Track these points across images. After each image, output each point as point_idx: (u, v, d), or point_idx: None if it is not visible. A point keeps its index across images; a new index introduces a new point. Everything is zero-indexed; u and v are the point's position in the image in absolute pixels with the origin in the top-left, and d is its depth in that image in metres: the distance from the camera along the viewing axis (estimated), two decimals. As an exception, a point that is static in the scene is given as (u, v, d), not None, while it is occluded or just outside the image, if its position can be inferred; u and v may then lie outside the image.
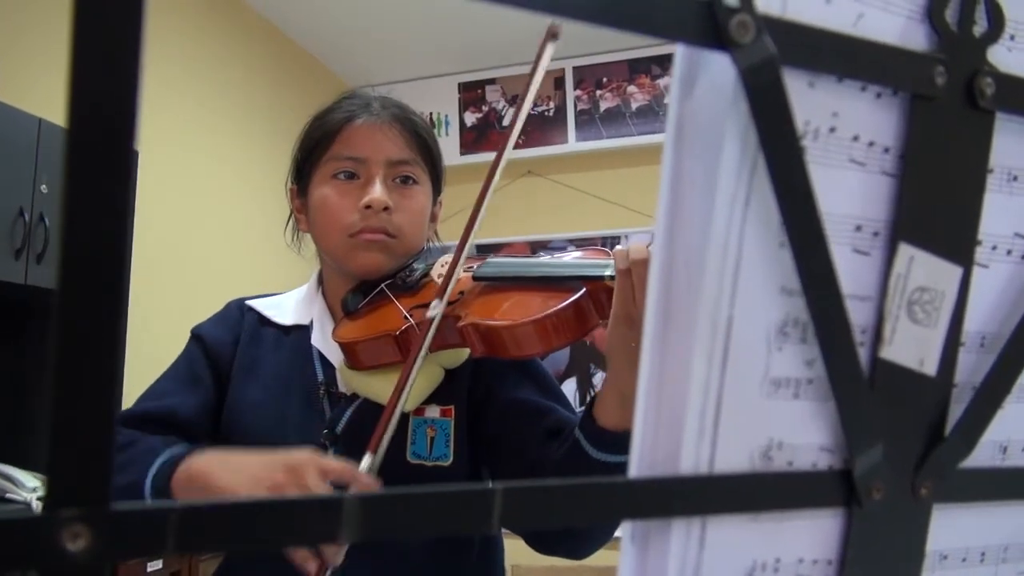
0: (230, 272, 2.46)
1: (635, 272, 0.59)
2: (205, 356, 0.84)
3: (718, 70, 0.27)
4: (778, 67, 0.26)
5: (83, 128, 0.19)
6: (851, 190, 0.29)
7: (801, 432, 0.29)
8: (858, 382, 0.29)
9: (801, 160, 0.27)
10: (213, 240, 2.44)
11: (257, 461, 0.63)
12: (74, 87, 0.19)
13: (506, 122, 3.10)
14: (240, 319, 0.88)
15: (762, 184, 0.27)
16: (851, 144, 0.29)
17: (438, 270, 0.82)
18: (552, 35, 0.65)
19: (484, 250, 3.02)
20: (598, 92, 3.01)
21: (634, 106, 2.97)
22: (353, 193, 0.82)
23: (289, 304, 0.90)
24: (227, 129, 2.52)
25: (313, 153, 0.85)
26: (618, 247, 0.63)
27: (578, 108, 3.02)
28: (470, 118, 3.15)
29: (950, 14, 0.29)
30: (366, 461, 0.65)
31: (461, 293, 0.75)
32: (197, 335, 0.86)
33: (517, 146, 3.08)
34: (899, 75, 0.29)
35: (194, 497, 0.66)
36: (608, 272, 0.65)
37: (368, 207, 0.80)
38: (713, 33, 0.26)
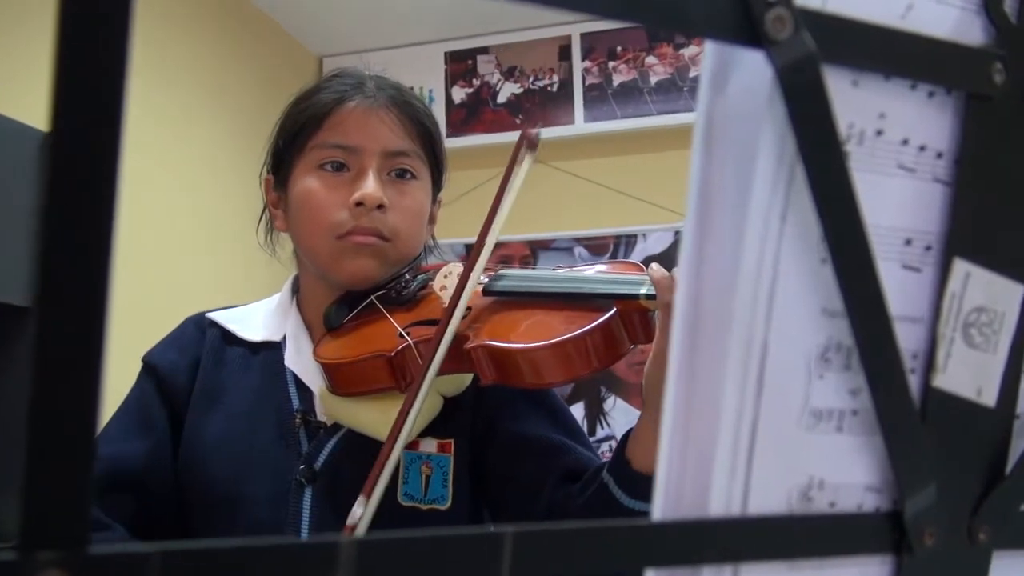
0: (186, 277, 2.46)
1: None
2: (158, 391, 0.86)
3: (752, 69, 0.29)
4: (818, 65, 0.29)
5: (65, 137, 0.21)
6: (900, 199, 0.31)
7: (845, 470, 0.32)
8: (909, 414, 0.31)
9: (844, 167, 0.30)
10: (168, 239, 2.44)
11: None
12: (57, 91, 0.21)
13: (501, 99, 3.13)
14: (199, 338, 0.90)
15: (800, 194, 0.29)
16: (900, 148, 0.31)
17: (441, 281, 0.83)
18: (530, 145, 0.70)
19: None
20: (611, 64, 3.04)
21: (653, 80, 3.00)
22: (342, 187, 0.84)
23: (257, 317, 0.92)
24: (177, 108, 2.53)
25: (296, 139, 0.87)
26: (653, 266, 0.65)
27: (587, 83, 3.05)
28: (459, 93, 3.18)
29: (1009, 5, 0.32)
30: (358, 508, 0.66)
31: (468, 309, 0.77)
32: (148, 365, 0.88)
33: (514, 127, 3.12)
34: (953, 72, 0.31)
35: None
36: (644, 290, 0.67)
37: (359, 204, 0.82)
38: (747, 29, 0.28)
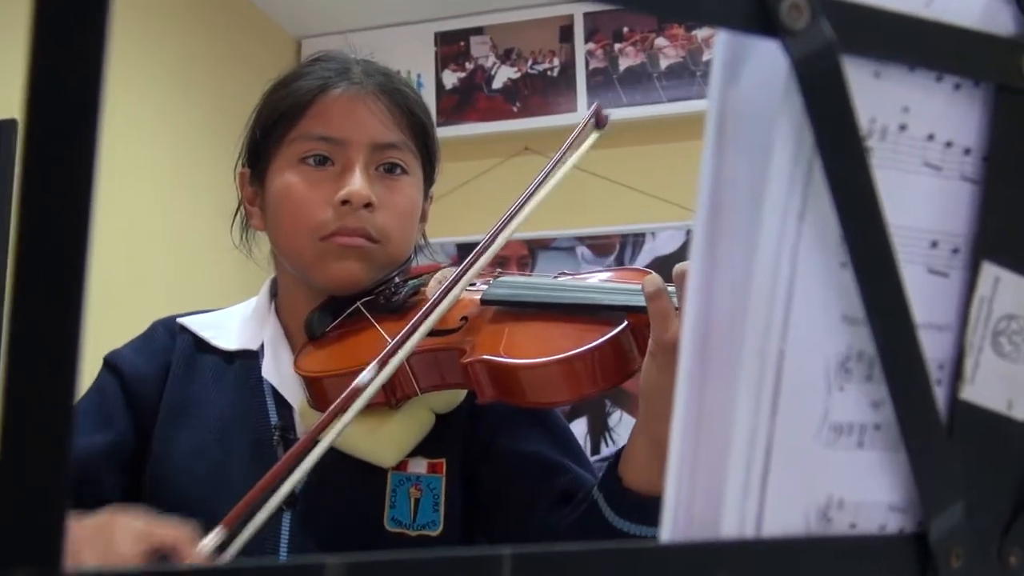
0: (152, 280, 2.46)
1: (679, 288, 0.62)
2: (122, 391, 0.86)
3: (767, 58, 0.30)
4: (837, 55, 0.30)
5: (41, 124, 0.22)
6: (925, 199, 0.32)
7: (866, 488, 0.32)
8: (934, 428, 0.32)
9: (865, 164, 0.31)
10: (131, 238, 2.44)
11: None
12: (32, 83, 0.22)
13: (496, 84, 3.14)
14: (169, 344, 0.90)
15: (819, 193, 0.30)
16: (925, 144, 0.32)
17: (436, 288, 0.84)
18: (599, 122, 0.74)
19: (464, 250, 3.04)
20: (617, 46, 3.06)
21: (664, 64, 3.02)
22: (326, 183, 0.85)
23: (232, 323, 0.92)
24: (142, 95, 2.54)
25: (275, 129, 0.87)
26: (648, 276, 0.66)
27: (590, 67, 3.07)
28: (450, 78, 3.19)
29: (1041, -8, 0.33)
30: (212, 537, 0.64)
31: (464, 319, 0.78)
32: (112, 364, 0.88)
33: (511, 115, 3.13)
34: (981, 63, 0.32)
35: None
36: None
37: (345, 203, 0.83)
38: (761, 18, 0.29)
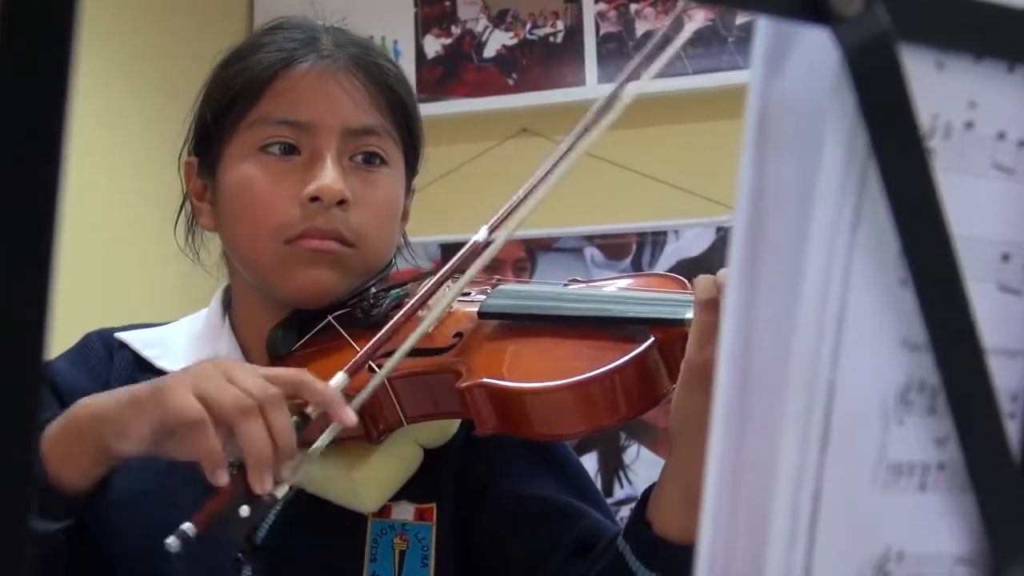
0: (83, 288, 2.45)
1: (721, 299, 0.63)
2: (57, 399, 0.85)
3: (814, 49, 0.31)
4: (895, 45, 0.31)
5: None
6: (996, 206, 0.34)
7: (929, 537, 0.34)
8: (1007, 468, 0.34)
9: (927, 167, 0.32)
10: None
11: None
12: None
13: (488, 53, 3.15)
14: (107, 360, 0.91)
15: (874, 201, 0.32)
16: (995, 144, 0.34)
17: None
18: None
19: (450, 251, 3.01)
20: (632, 8, 3.07)
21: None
22: (291, 176, 0.85)
23: (178, 339, 0.93)
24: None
25: (230, 112, 0.88)
26: (700, 276, 0.66)
27: (601, 31, 3.08)
28: (433, 45, 3.20)
29: None
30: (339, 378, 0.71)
31: (459, 336, 0.79)
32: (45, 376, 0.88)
33: (506, 90, 3.14)
34: (1058, 52, 0.34)
35: (74, 450, 0.73)
36: (689, 314, 0.68)
37: (315, 199, 0.84)
38: (808, 3, 0.30)
